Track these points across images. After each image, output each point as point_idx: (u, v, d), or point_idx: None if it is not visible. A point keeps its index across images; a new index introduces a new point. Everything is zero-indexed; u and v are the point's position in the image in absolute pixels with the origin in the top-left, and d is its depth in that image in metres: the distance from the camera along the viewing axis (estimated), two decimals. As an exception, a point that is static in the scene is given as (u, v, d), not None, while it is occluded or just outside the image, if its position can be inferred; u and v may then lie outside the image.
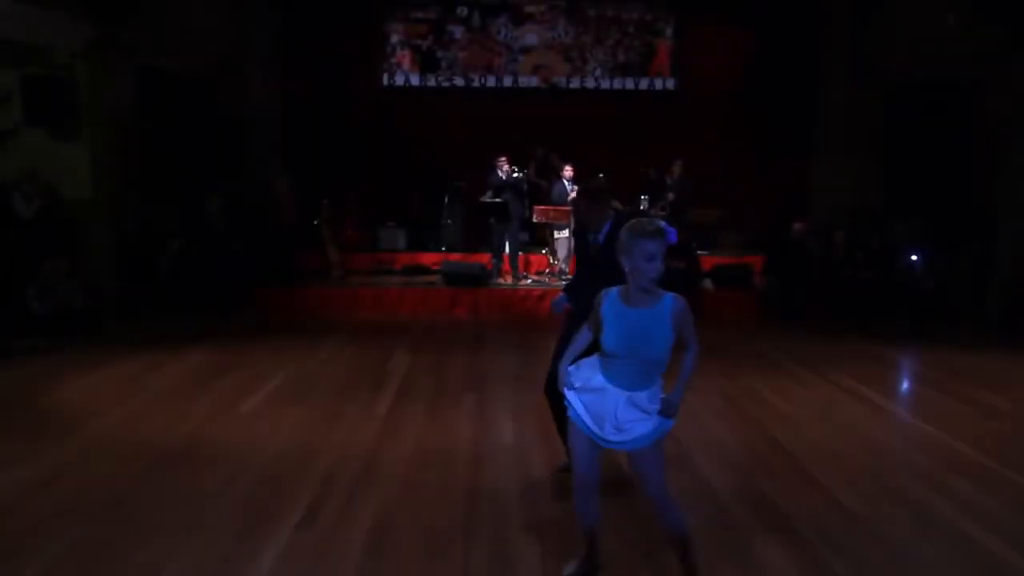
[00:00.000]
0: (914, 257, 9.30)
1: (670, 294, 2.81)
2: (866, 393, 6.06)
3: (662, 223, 2.79)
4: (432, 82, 12.73)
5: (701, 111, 12.37)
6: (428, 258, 11.22)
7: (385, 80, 12.68)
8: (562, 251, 10.30)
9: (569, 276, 10.18)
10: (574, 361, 3.00)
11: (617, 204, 10.95)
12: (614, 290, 2.86)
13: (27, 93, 9.07)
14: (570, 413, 2.96)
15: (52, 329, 7.72)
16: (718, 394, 5.96)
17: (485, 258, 10.46)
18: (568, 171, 10.23)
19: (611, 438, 2.84)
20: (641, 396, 2.81)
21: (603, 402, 2.85)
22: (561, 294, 4.24)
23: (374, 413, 5.39)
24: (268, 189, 10.78)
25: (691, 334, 2.83)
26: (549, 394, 4.04)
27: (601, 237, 3.95)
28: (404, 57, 12.68)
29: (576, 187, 10.20)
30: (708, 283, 9.90)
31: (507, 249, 10.28)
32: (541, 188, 11.35)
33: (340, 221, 11.02)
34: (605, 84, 12.75)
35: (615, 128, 12.31)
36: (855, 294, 9.49)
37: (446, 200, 11.43)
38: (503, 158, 10.15)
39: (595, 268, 3.89)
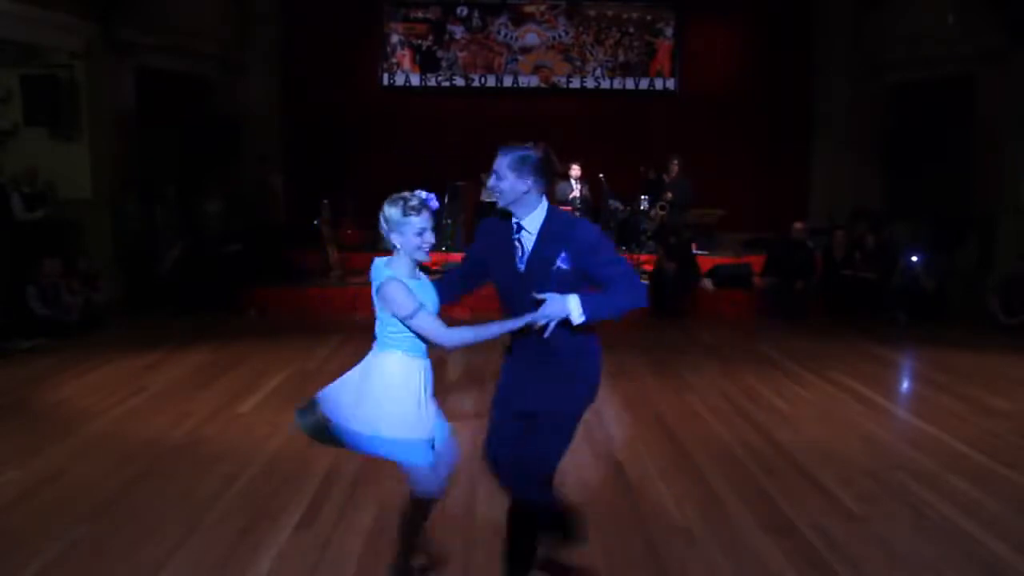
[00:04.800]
0: (914, 257, 9.29)
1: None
2: (866, 393, 6.06)
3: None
4: (432, 82, 12.71)
5: (701, 111, 12.36)
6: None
7: (385, 80, 12.67)
8: None
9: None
10: None
11: (618, 204, 11.03)
12: None
13: (27, 93, 9.10)
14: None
15: (52, 329, 7.72)
16: (718, 394, 5.96)
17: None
18: (576, 169, 10.14)
19: None
20: None
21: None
22: None
23: (374, 413, 5.38)
24: (262, 182, 10.73)
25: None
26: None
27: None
28: (404, 57, 12.67)
29: (581, 185, 10.16)
30: (708, 283, 9.88)
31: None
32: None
33: (340, 221, 11.00)
34: (605, 84, 12.74)
35: (615, 128, 12.30)
36: (855, 294, 9.48)
37: (446, 200, 11.44)
38: None
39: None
